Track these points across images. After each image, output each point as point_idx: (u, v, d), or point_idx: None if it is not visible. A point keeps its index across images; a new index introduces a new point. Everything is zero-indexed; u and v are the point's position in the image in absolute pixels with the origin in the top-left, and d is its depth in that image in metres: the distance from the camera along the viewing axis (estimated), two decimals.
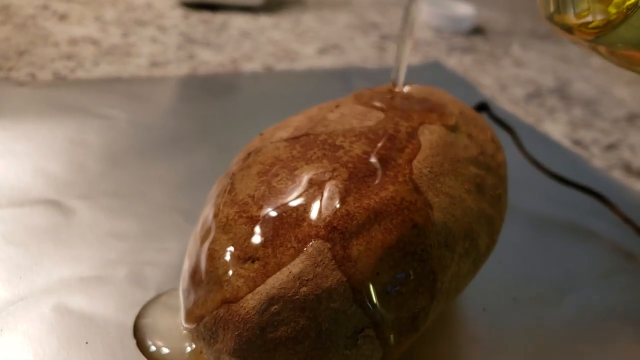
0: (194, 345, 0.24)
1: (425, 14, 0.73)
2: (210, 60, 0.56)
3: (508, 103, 0.56)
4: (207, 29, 0.64)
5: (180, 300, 0.23)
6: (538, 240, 0.36)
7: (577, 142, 0.51)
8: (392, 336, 0.21)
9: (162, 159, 0.39)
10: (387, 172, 0.21)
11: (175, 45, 0.58)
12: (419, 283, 0.20)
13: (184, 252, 0.30)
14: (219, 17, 0.67)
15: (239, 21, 0.67)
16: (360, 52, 0.64)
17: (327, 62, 0.60)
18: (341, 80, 0.55)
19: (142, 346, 0.24)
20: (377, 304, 0.20)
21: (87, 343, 0.25)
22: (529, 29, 0.77)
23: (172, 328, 0.25)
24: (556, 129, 0.52)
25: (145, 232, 0.32)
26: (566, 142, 0.50)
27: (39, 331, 0.25)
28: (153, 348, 0.24)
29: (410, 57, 0.64)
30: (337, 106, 0.26)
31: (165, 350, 0.24)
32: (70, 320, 0.26)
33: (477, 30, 0.73)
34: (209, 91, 0.49)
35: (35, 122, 0.40)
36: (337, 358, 0.20)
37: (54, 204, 0.33)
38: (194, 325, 0.21)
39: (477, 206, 0.23)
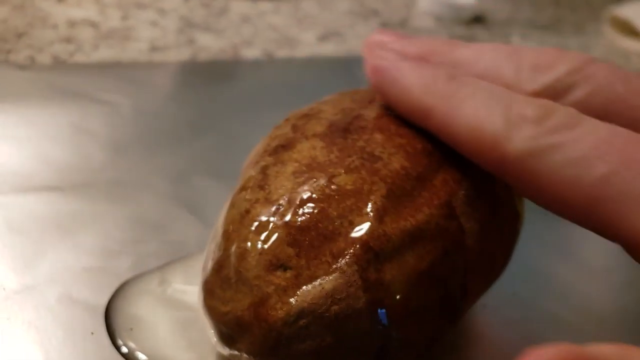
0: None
1: (425, 2, 0.72)
2: (210, 45, 0.56)
3: None
4: (207, 12, 0.63)
5: (199, 289, 0.22)
6: (538, 236, 0.37)
7: None
8: (409, 356, 0.21)
9: (164, 147, 0.39)
10: (423, 193, 0.21)
11: (175, 29, 0.58)
12: (443, 309, 0.20)
13: (188, 244, 0.30)
14: (219, 1, 0.66)
15: (239, 5, 0.66)
16: (361, 39, 0.64)
17: (328, 49, 0.59)
18: (342, 68, 0.55)
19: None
20: (403, 327, 0.20)
21: (92, 334, 0.25)
22: (529, 19, 0.77)
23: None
24: None
25: (148, 222, 0.32)
26: None
27: (44, 321, 0.25)
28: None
29: None
30: (370, 101, 0.25)
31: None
32: (76, 311, 0.26)
33: (478, 19, 0.73)
34: (210, 78, 0.49)
35: (37, 106, 0.40)
36: None
37: (57, 191, 0.33)
38: (213, 319, 0.21)
39: (500, 230, 0.23)
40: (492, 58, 0.22)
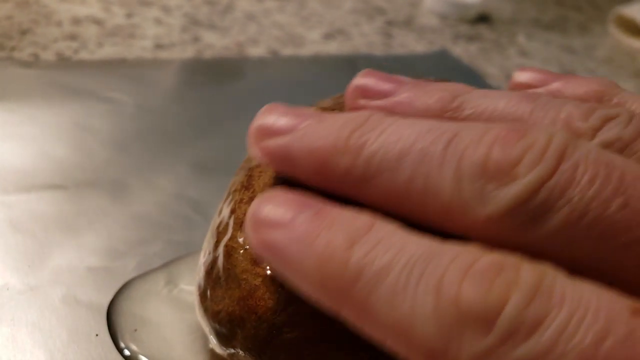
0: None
1: (431, 1, 0.72)
2: (215, 43, 0.55)
3: None
4: (211, 10, 0.63)
5: (194, 295, 0.23)
6: None
7: None
8: None
9: (168, 146, 0.38)
10: None
11: (180, 27, 0.58)
12: None
13: (192, 244, 0.30)
14: None
15: (244, 3, 0.66)
16: (365, 38, 0.63)
17: (333, 48, 0.59)
18: (347, 67, 0.54)
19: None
20: None
21: (97, 335, 0.25)
22: (533, 18, 0.77)
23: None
24: None
25: (153, 222, 0.32)
26: None
27: (49, 322, 0.25)
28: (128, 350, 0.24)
29: (416, 45, 0.64)
30: None
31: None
32: (80, 312, 0.26)
33: (483, 18, 0.73)
34: (215, 76, 0.49)
35: (40, 104, 0.40)
36: (356, 357, 0.20)
37: (61, 190, 0.33)
38: (208, 320, 0.21)
39: None
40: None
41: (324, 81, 0.51)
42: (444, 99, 0.19)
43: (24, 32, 0.51)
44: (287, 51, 0.57)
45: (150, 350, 0.24)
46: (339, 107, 0.25)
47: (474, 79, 0.57)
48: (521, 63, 0.64)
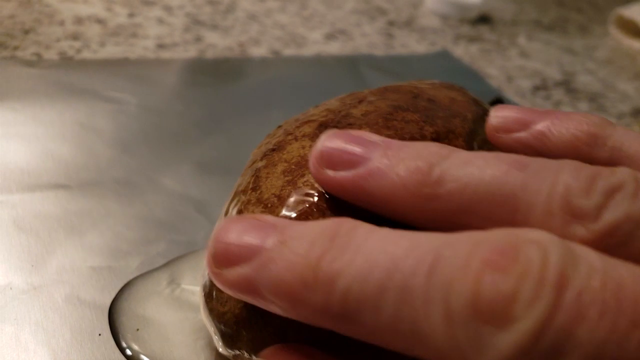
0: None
1: (432, 1, 0.72)
2: (217, 43, 0.56)
3: (515, 95, 0.56)
4: (213, 10, 0.63)
5: (199, 295, 0.23)
6: None
7: None
8: None
9: (171, 146, 0.39)
10: None
11: (182, 27, 0.58)
12: None
13: (195, 244, 0.30)
14: None
15: (246, 3, 0.66)
16: (367, 38, 0.63)
17: (334, 48, 0.59)
18: (349, 67, 0.55)
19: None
20: None
21: (100, 335, 0.25)
22: (534, 19, 0.77)
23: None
24: None
25: (156, 222, 0.32)
26: None
27: (52, 322, 0.25)
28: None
29: (417, 45, 0.64)
30: (359, 101, 0.25)
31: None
32: (83, 311, 0.26)
33: (484, 19, 0.73)
34: (217, 76, 0.49)
35: (44, 104, 0.40)
36: (361, 357, 0.20)
37: (65, 190, 0.33)
38: (214, 321, 0.21)
39: None
40: None
41: (325, 81, 0.51)
42: (421, 171, 0.16)
43: (26, 32, 0.51)
44: (289, 51, 0.57)
45: (152, 350, 0.25)
46: (345, 109, 0.25)
47: (474, 79, 0.57)
48: (522, 64, 0.64)
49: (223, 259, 0.17)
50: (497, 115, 0.21)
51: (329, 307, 0.14)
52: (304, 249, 0.15)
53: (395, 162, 0.17)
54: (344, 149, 0.18)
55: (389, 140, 0.18)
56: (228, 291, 0.17)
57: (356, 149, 0.18)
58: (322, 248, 0.15)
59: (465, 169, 0.16)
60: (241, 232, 0.17)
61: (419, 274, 0.13)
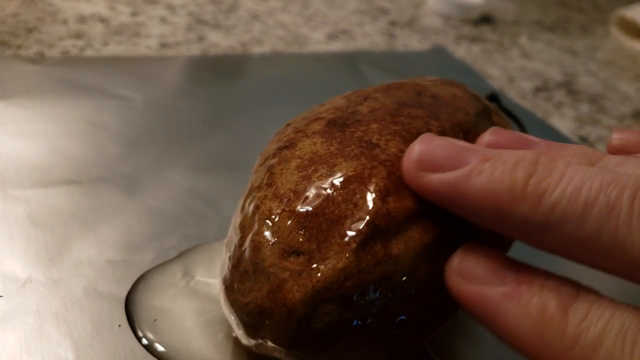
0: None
1: (434, 1, 0.73)
2: (219, 42, 0.56)
3: (516, 96, 0.57)
4: (216, 9, 0.63)
5: (219, 287, 0.23)
6: None
7: (583, 139, 0.51)
8: (425, 326, 0.21)
9: (177, 141, 0.39)
10: None
11: (185, 26, 0.58)
12: None
13: (206, 238, 0.31)
14: None
15: (248, 2, 0.66)
16: (369, 38, 0.64)
17: (336, 47, 0.60)
18: (348, 63, 0.55)
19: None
20: (416, 297, 0.20)
21: (119, 326, 0.25)
22: (536, 20, 0.77)
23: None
24: (563, 125, 0.53)
25: (167, 216, 0.32)
26: (573, 139, 0.51)
27: (72, 314, 0.25)
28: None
29: (419, 45, 0.64)
30: (365, 98, 0.26)
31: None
32: (102, 304, 0.26)
33: (485, 19, 0.73)
34: (219, 73, 0.49)
35: (51, 101, 0.40)
36: (381, 348, 0.20)
37: (76, 185, 0.33)
38: (236, 311, 0.21)
39: None
40: None
41: (326, 78, 0.52)
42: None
43: (30, 30, 0.51)
44: (291, 51, 0.57)
45: (171, 340, 0.25)
46: (352, 106, 0.25)
47: (471, 75, 0.57)
48: (523, 65, 0.64)
49: (429, 163, 0.19)
50: (619, 138, 0.23)
51: (533, 218, 0.17)
52: (510, 167, 0.17)
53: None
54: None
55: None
56: (424, 193, 0.19)
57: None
58: (527, 169, 0.17)
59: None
60: (447, 145, 0.19)
61: (625, 197, 0.16)
